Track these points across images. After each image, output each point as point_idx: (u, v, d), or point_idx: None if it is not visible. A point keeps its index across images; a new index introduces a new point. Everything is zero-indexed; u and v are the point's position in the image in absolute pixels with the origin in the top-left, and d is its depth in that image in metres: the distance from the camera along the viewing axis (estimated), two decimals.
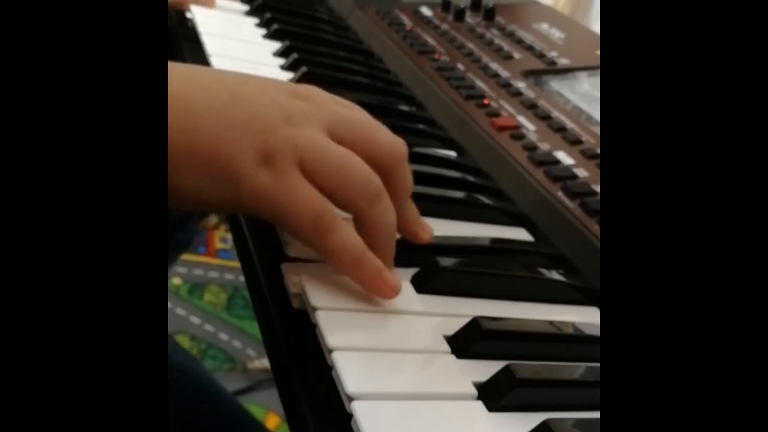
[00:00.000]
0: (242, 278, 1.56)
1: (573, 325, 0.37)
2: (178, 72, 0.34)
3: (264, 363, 1.36)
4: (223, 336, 1.41)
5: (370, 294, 0.34)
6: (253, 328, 1.43)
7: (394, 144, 0.37)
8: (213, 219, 1.67)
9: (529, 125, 0.55)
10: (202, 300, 1.48)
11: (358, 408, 0.28)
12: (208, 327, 1.42)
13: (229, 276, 1.56)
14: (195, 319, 1.43)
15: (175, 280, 1.50)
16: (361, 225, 0.35)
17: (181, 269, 1.52)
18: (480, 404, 0.30)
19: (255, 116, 0.34)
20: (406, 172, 0.37)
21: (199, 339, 1.39)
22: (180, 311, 1.44)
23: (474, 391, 0.31)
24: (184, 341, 1.37)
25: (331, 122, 0.36)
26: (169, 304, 1.45)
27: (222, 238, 1.66)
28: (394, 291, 0.34)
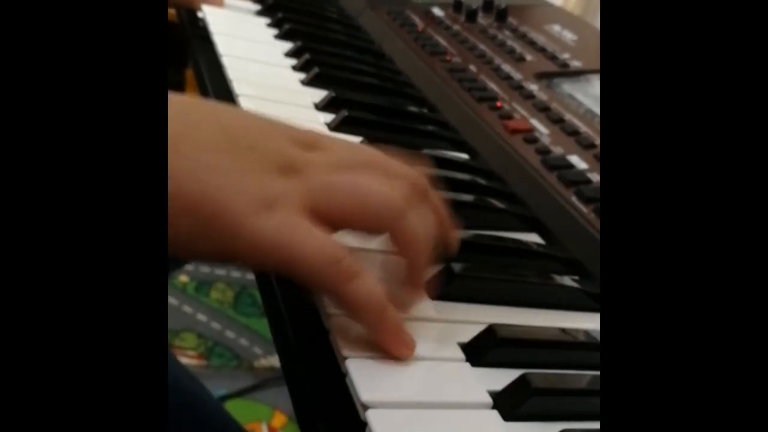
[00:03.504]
0: (249, 276, 1.56)
1: (587, 332, 0.37)
2: (170, 108, 0.31)
3: (270, 361, 1.36)
4: (230, 334, 1.41)
5: (387, 350, 0.31)
6: (260, 326, 1.43)
7: (384, 206, 0.31)
8: None
9: (541, 128, 0.55)
10: (209, 297, 1.48)
11: (372, 416, 0.27)
12: (215, 325, 1.42)
13: (236, 274, 1.56)
14: (202, 317, 1.43)
15: (182, 278, 1.51)
16: (396, 243, 0.32)
17: (188, 267, 1.52)
18: (495, 413, 0.30)
19: (251, 165, 0.30)
20: (406, 225, 0.32)
21: (206, 337, 1.39)
22: (187, 309, 1.44)
23: (489, 400, 0.30)
24: (190, 339, 1.37)
25: (338, 165, 0.32)
26: (176, 302, 1.45)
27: None
28: (411, 349, 0.31)
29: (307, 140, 0.33)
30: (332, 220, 0.31)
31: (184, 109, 0.32)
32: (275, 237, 0.29)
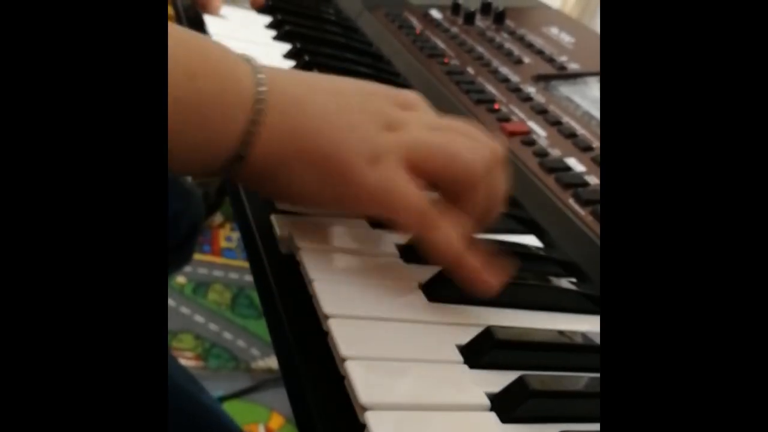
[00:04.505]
0: (247, 277, 1.56)
1: (585, 334, 0.37)
2: (286, 76, 0.37)
3: (268, 363, 1.36)
4: (228, 335, 1.41)
5: (471, 289, 0.35)
6: (258, 327, 1.43)
7: (468, 166, 0.36)
8: (218, 218, 1.67)
9: (539, 131, 0.55)
10: (206, 299, 1.48)
11: (371, 418, 0.28)
12: (213, 326, 1.42)
13: (233, 275, 1.55)
14: (199, 318, 1.43)
15: (179, 279, 1.51)
16: (470, 199, 0.36)
17: (185, 268, 1.52)
18: (493, 415, 0.30)
19: (361, 123, 0.36)
20: (476, 196, 0.37)
21: (204, 338, 1.39)
22: (184, 310, 1.44)
23: (487, 402, 0.30)
24: (188, 340, 1.37)
25: (431, 126, 0.38)
26: (174, 303, 1.45)
27: (227, 236, 1.66)
28: (495, 288, 0.35)
29: (405, 102, 0.39)
30: (424, 174, 0.36)
31: (301, 77, 0.38)
32: (378, 185, 0.35)
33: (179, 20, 0.71)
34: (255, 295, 1.48)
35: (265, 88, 0.35)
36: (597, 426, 0.30)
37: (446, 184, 0.37)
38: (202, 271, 1.55)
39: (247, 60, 0.36)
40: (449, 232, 0.35)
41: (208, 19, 0.66)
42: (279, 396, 1.29)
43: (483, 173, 0.36)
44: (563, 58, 0.69)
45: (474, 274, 0.35)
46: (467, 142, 0.37)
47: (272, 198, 0.39)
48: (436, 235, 0.35)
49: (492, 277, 0.35)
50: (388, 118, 0.37)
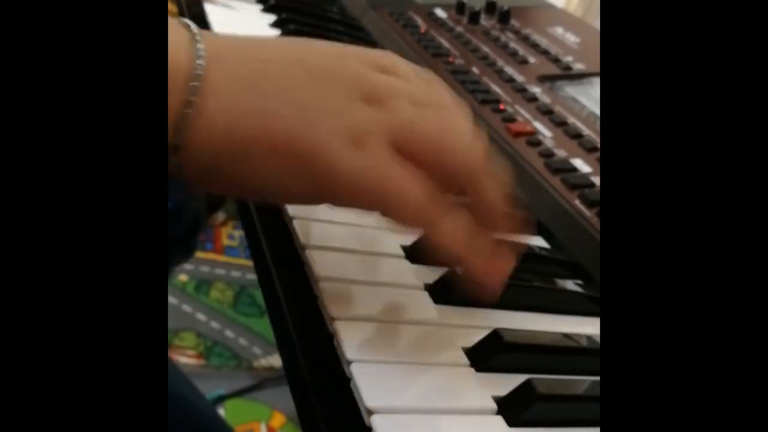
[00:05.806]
0: (249, 276, 1.56)
1: (590, 337, 0.36)
2: (236, 46, 0.30)
3: (269, 361, 1.36)
4: (229, 333, 1.41)
5: (483, 283, 0.32)
6: (260, 325, 1.43)
7: (469, 156, 0.31)
8: (220, 216, 1.67)
9: (545, 131, 0.55)
10: (208, 297, 1.48)
11: (377, 422, 0.27)
12: (215, 324, 1.42)
13: (235, 273, 1.55)
14: (201, 316, 1.43)
15: (181, 277, 1.50)
16: (473, 194, 0.32)
17: (187, 266, 1.52)
18: (500, 419, 0.30)
19: (334, 95, 0.30)
20: (483, 189, 0.32)
21: (205, 336, 1.39)
22: (186, 308, 1.44)
23: (493, 405, 0.30)
24: (189, 338, 1.37)
25: (419, 100, 0.32)
26: (176, 301, 1.45)
27: (229, 235, 1.66)
28: (498, 290, 0.32)
29: (383, 64, 0.33)
30: (413, 160, 0.30)
31: (255, 46, 0.31)
32: (365, 172, 0.29)
33: (182, 14, 0.71)
34: (257, 294, 1.48)
35: (203, 62, 0.28)
36: None
37: (441, 175, 0.31)
38: (204, 269, 1.55)
39: (186, 25, 0.30)
40: (454, 229, 0.31)
41: (212, 18, 0.66)
42: (281, 394, 1.28)
43: (485, 162, 0.31)
44: (568, 58, 0.69)
45: (481, 277, 0.32)
46: (463, 127, 0.32)
47: (227, 194, 0.32)
48: (439, 231, 0.30)
49: (497, 278, 0.32)
50: (366, 87, 0.31)
